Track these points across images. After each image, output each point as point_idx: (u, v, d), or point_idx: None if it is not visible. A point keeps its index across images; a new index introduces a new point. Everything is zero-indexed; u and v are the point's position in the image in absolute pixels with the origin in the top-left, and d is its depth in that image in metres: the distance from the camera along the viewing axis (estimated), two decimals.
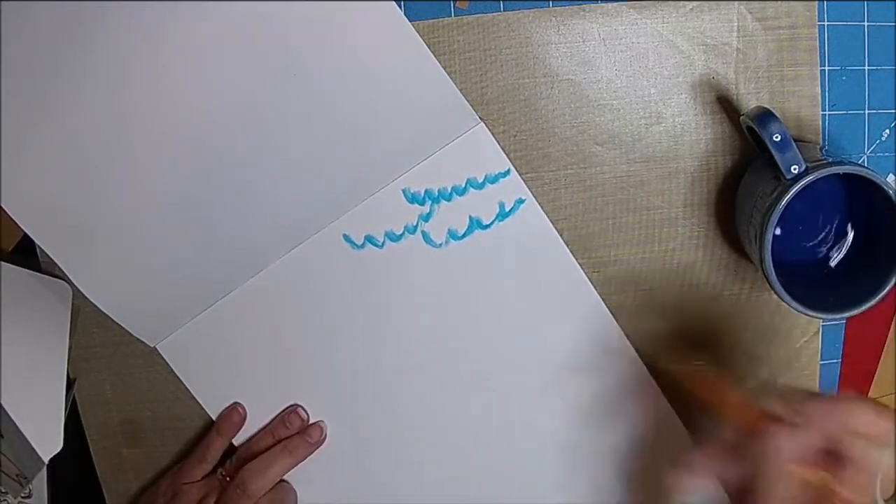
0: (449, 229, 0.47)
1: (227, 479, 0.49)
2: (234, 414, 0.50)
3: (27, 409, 0.43)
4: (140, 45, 0.43)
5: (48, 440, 0.43)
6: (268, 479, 0.48)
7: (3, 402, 0.42)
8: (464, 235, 0.47)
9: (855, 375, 0.50)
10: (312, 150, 0.45)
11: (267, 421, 0.50)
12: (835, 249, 0.46)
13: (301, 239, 0.47)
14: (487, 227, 0.47)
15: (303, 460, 0.49)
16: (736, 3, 0.45)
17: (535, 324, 0.49)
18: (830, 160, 0.41)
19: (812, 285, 0.45)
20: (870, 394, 0.51)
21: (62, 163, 0.45)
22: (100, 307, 0.48)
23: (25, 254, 0.48)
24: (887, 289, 0.41)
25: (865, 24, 0.45)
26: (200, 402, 0.50)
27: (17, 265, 0.47)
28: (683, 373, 0.43)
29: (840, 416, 0.32)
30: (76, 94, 0.43)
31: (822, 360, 0.50)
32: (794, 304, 0.41)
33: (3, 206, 0.45)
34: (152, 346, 0.49)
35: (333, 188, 0.46)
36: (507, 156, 0.46)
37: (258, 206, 0.46)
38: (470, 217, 0.47)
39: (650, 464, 0.50)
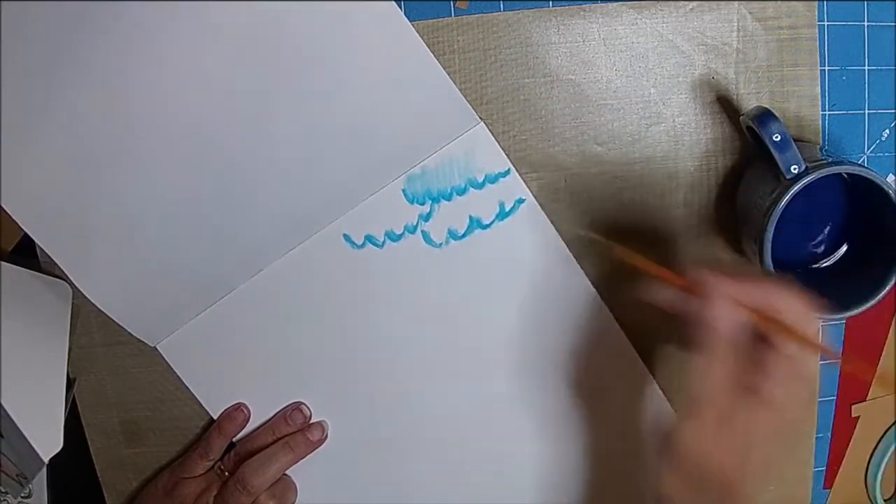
0: (449, 229, 0.47)
1: (226, 473, 0.49)
2: (238, 413, 0.50)
3: (27, 409, 0.43)
4: (140, 46, 0.43)
5: (48, 440, 0.43)
6: (268, 476, 0.48)
7: (3, 402, 0.42)
8: (464, 235, 0.47)
9: (855, 375, 0.50)
10: (313, 150, 0.45)
11: (266, 420, 0.50)
12: (834, 249, 0.46)
13: (301, 239, 0.48)
14: (487, 226, 0.47)
15: (303, 458, 0.49)
16: (736, 3, 0.45)
17: (536, 323, 0.49)
18: (830, 160, 0.41)
19: (812, 285, 0.44)
20: (869, 394, 0.51)
21: (62, 162, 0.45)
22: (100, 307, 0.48)
23: (25, 254, 0.48)
24: (887, 289, 0.41)
25: (865, 24, 0.45)
26: (201, 401, 0.50)
27: (17, 265, 0.47)
28: (623, 253, 0.43)
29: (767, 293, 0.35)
30: (76, 93, 0.43)
31: (822, 359, 0.50)
32: None
33: (3, 206, 0.45)
34: (152, 346, 0.49)
35: (334, 188, 0.46)
36: (507, 156, 0.46)
37: (258, 206, 0.46)
38: (470, 217, 0.47)
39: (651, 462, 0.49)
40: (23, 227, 0.46)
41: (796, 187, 0.39)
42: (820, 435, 0.51)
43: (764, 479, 0.36)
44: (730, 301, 0.34)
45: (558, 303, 0.48)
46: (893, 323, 0.50)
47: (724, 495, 0.35)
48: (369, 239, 0.48)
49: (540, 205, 0.47)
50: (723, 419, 0.35)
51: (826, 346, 0.36)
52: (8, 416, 0.42)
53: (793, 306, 0.34)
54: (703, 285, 0.35)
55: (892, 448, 0.52)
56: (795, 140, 0.41)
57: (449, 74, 0.44)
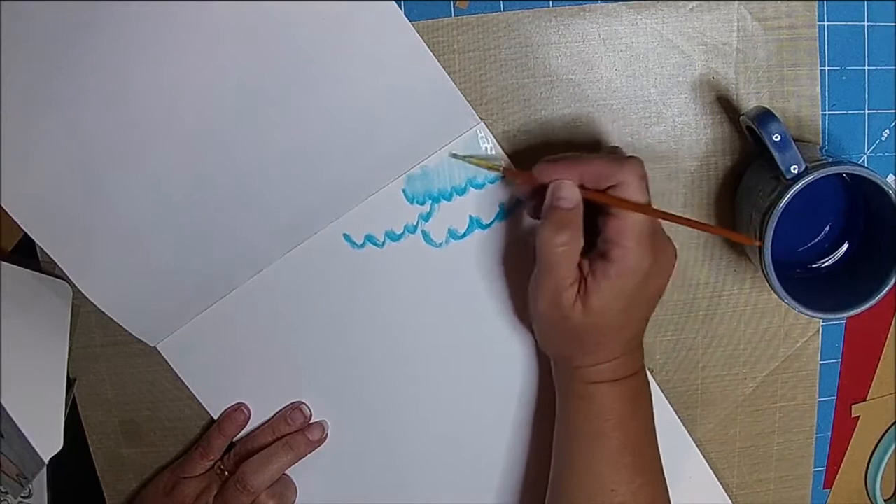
0: (449, 229, 0.47)
1: (226, 473, 0.49)
2: (239, 413, 0.50)
3: (27, 409, 0.43)
4: (141, 46, 0.43)
5: (48, 440, 0.43)
6: (268, 475, 0.48)
7: (3, 402, 0.42)
8: (464, 235, 0.47)
9: (855, 375, 0.50)
10: (313, 150, 0.45)
11: (265, 420, 0.50)
12: (835, 249, 0.46)
13: (301, 239, 0.48)
14: (488, 226, 0.47)
15: (303, 457, 0.49)
16: (736, 3, 0.45)
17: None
18: (830, 160, 0.41)
19: (812, 285, 0.45)
20: (869, 394, 0.51)
21: (62, 163, 0.45)
22: (100, 307, 0.48)
23: (25, 254, 0.48)
24: (887, 289, 0.41)
25: (865, 24, 0.45)
26: (201, 401, 0.50)
27: (17, 265, 0.47)
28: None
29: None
30: (77, 93, 0.43)
31: (822, 360, 0.50)
32: (794, 304, 0.41)
33: (3, 206, 0.45)
34: (152, 346, 0.49)
35: (334, 188, 0.46)
36: (508, 156, 0.46)
37: (258, 206, 0.46)
38: (470, 217, 0.47)
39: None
40: (23, 227, 0.46)
41: (796, 187, 0.39)
42: (820, 435, 0.51)
43: (620, 332, 0.40)
44: (571, 182, 0.39)
45: None
46: (893, 323, 0.50)
47: (581, 344, 0.40)
48: (369, 239, 0.48)
49: None
50: (574, 281, 0.39)
51: (660, 210, 0.38)
52: (8, 416, 0.42)
53: (628, 178, 0.38)
54: (549, 173, 0.40)
55: (892, 448, 0.52)
56: (795, 140, 0.41)
57: (449, 74, 0.44)
